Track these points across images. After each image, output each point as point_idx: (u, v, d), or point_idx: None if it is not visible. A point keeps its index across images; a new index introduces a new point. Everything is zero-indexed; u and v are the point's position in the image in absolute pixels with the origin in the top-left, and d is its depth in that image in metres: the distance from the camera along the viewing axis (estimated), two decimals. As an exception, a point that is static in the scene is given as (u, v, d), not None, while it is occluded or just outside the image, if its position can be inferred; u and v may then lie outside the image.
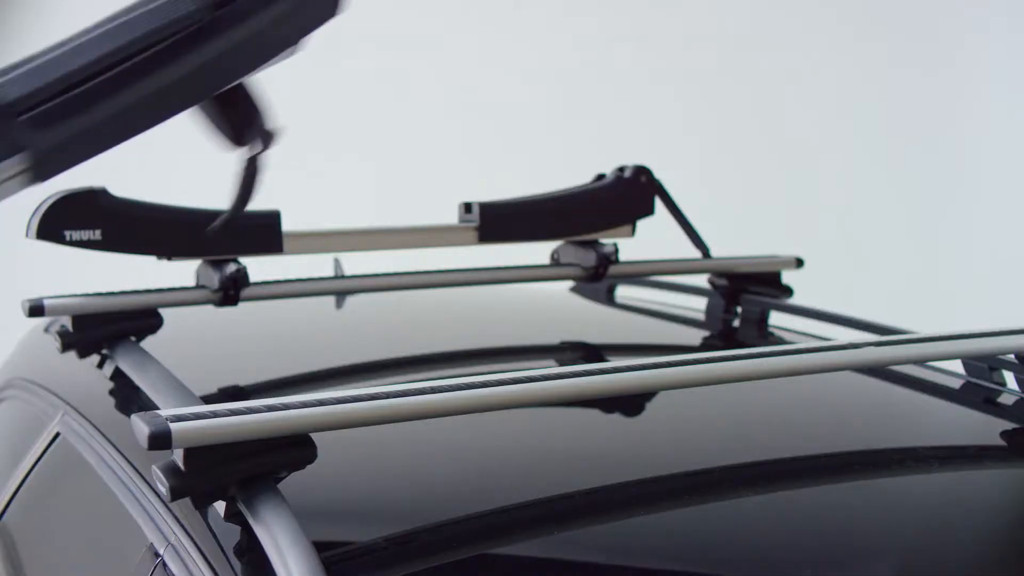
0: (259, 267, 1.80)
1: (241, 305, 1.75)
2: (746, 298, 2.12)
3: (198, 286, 1.77)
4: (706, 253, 2.21)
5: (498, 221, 2.14)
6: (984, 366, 1.63)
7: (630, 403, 1.57)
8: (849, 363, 1.41)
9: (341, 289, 2.11)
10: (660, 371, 1.28)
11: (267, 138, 1.06)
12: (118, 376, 1.57)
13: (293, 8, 1.04)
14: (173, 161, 4.87)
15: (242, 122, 1.08)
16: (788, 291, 2.15)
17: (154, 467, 1.06)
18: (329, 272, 2.45)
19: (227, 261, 1.76)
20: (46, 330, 2.20)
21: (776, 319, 2.07)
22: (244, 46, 1.00)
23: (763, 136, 4.60)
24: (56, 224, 1.88)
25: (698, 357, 1.32)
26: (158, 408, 1.13)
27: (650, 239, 2.22)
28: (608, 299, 2.41)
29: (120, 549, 1.28)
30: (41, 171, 0.89)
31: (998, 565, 1.17)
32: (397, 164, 4.89)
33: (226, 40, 0.97)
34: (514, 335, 2.12)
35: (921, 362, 1.58)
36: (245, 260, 1.78)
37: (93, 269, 2.39)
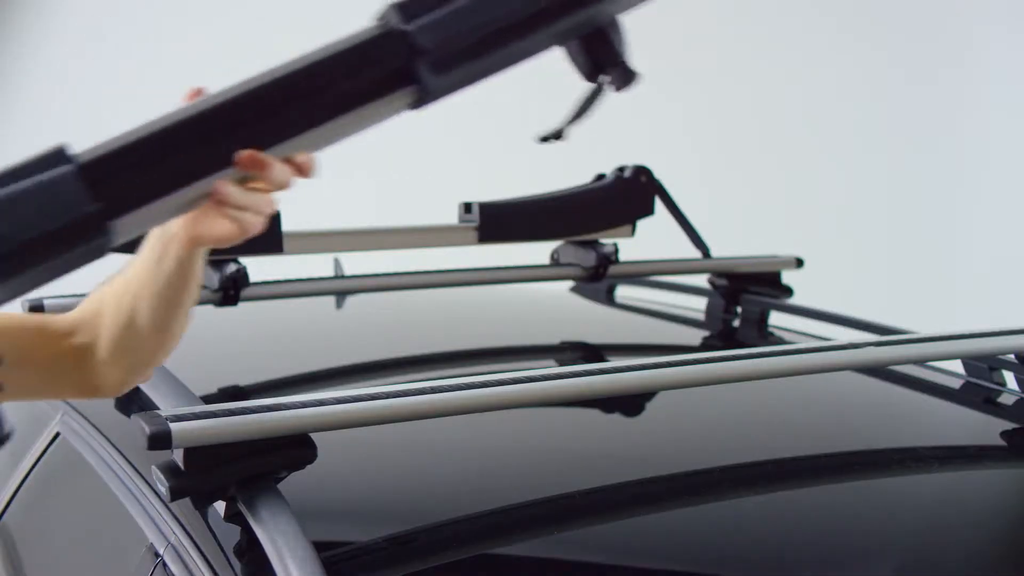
0: (259, 267, 1.80)
1: (241, 305, 1.75)
2: (746, 298, 2.12)
3: (198, 286, 1.77)
4: (706, 253, 2.21)
5: (498, 221, 2.14)
6: (984, 366, 1.63)
7: (630, 403, 1.57)
8: (849, 363, 1.41)
9: (341, 289, 2.11)
10: (660, 371, 1.29)
11: (626, 79, 1.12)
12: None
13: None
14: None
15: (604, 60, 1.10)
16: (788, 291, 2.15)
17: (154, 467, 1.06)
18: (329, 272, 2.45)
19: (227, 261, 1.76)
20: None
21: (776, 319, 2.07)
22: None
23: (763, 136, 4.60)
24: (56, 224, 1.88)
25: (698, 357, 1.32)
26: (158, 408, 1.13)
27: (650, 239, 2.22)
28: (608, 299, 2.41)
29: (120, 549, 1.28)
30: (421, 102, 0.97)
31: (998, 565, 1.17)
32: (397, 164, 4.89)
33: None
34: (514, 335, 2.12)
35: (921, 362, 1.58)
36: (245, 260, 1.77)
37: (93, 269, 2.39)
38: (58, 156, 0.86)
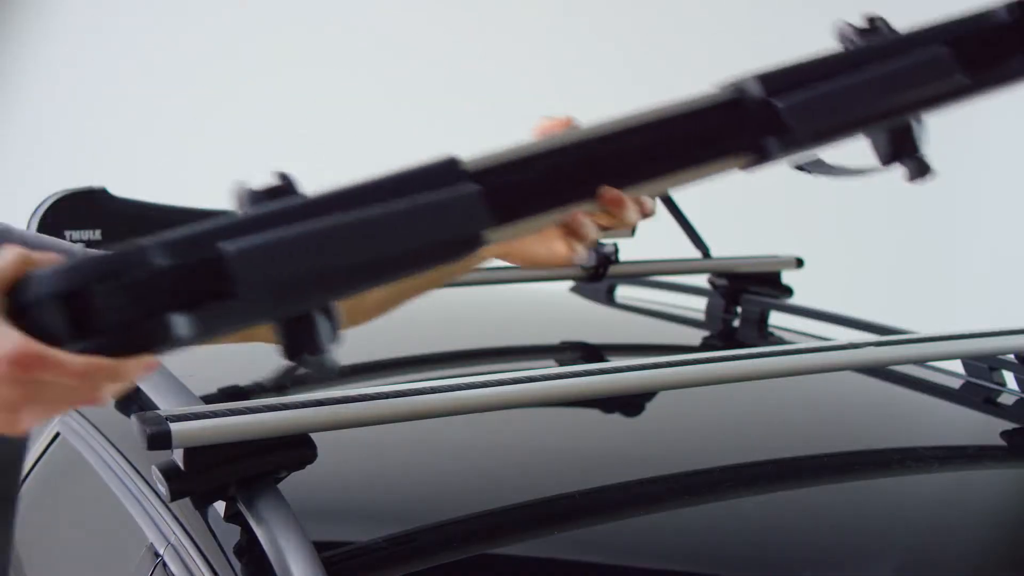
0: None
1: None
2: (746, 298, 2.12)
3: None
4: (706, 253, 2.21)
5: (498, 221, 2.13)
6: (984, 366, 1.63)
7: (630, 403, 1.57)
8: (849, 363, 1.41)
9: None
10: (660, 371, 1.29)
11: (921, 171, 1.18)
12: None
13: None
14: (173, 161, 4.88)
15: (904, 150, 1.17)
16: (788, 291, 2.15)
17: (154, 467, 1.06)
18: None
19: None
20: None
21: (776, 319, 2.07)
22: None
23: (763, 136, 4.60)
24: (56, 224, 1.88)
25: (698, 357, 1.32)
26: (158, 408, 1.13)
27: (650, 239, 2.22)
28: (608, 299, 2.41)
29: (120, 549, 1.28)
30: (754, 165, 1.02)
31: (998, 565, 1.17)
32: (397, 164, 4.89)
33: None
34: (514, 335, 2.12)
35: (921, 362, 1.58)
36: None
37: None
38: (453, 170, 0.90)
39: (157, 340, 0.75)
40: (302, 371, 1.77)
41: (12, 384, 0.72)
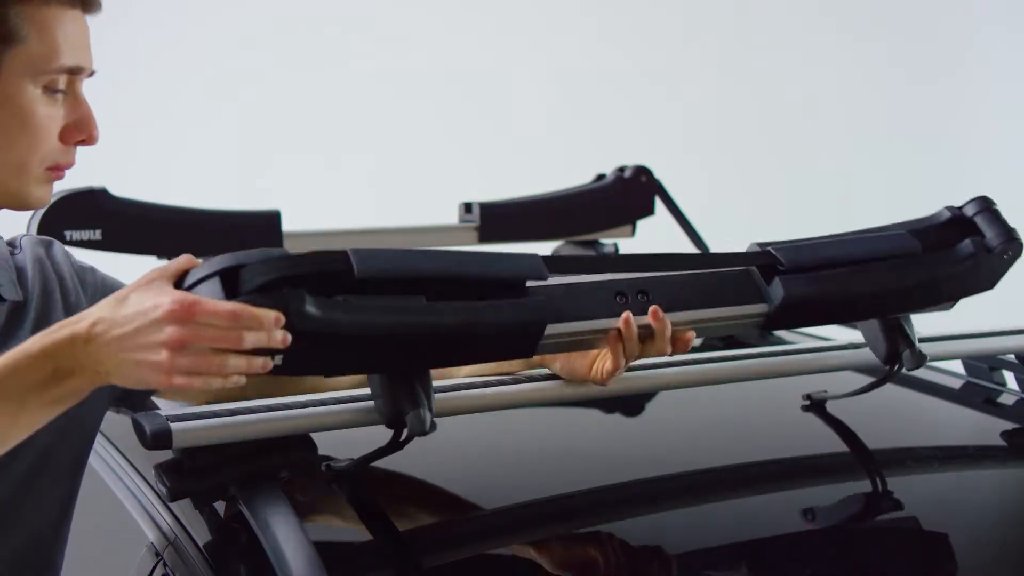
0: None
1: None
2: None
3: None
4: (706, 252, 2.21)
5: (498, 221, 2.14)
6: (984, 366, 1.63)
7: (630, 403, 1.57)
8: (849, 363, 1.41)
9: None
10: (660, 371, 1.28)
11: (919, 362, 1.32)
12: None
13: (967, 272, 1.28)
14: (173, 161, 4.87)
15: (900, 344, 1.32)
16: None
17: (154, 467, 1.06)
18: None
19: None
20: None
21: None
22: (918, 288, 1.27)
23: (763, 136, 4.60)
24: (56, 224, 1.88)
25: (698, 357, 1.32)
26: (158, 408, 1.13)
27: (650, 239, 2.22)
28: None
29: (120, 549, 1.28)
30: (771, 322, 1.22)
31: (998, 565, 1.17)
32: (397, 164, 4.88)
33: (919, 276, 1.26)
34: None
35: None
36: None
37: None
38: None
39: (287, 304, 0.94)
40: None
41: (174, 324, 0.91)
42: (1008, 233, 1.28)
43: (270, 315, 0.92)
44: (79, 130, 1.12)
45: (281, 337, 0.93)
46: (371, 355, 1.03)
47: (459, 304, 1.03)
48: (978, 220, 1.29)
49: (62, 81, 1.09)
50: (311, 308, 0.95)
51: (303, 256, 0.98)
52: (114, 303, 0.95)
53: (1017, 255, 1.30)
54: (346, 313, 0.97)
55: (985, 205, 1.30)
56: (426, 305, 1.01)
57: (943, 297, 1.30)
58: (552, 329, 1.08)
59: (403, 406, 1.06)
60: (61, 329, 0.95)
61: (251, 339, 0.92)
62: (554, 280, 1.10)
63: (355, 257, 0.99)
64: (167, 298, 0.92)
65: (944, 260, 1.27)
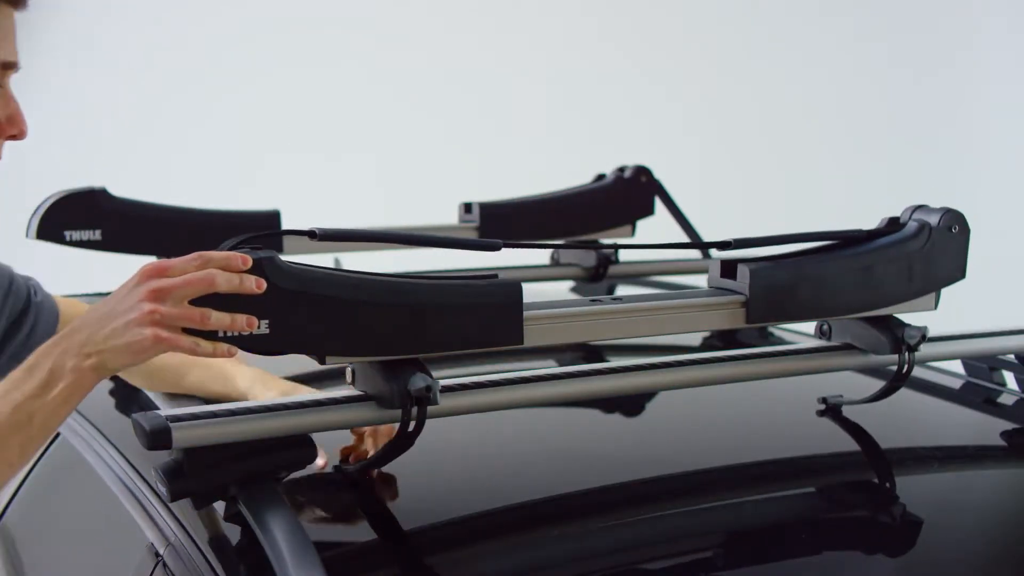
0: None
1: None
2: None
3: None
4: (706, 253, 2.21)
5: (498, 221, 2.14)
6: (984, 366, 1.63)
7: (630, 403, 1.57)
8: (849, 364, 1.40)
9: None
10: (660, 372, 1.28)
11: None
12: (117, 376, 1.57)
13: None
14: (173, 161, 4.87)
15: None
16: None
17: (154, 467, 1.06)
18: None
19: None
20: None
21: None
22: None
23: (763, 135, 4.60)
24: (56, 224, 1.88)
25: (699, 358, 1.32)
26: (158, 408, 1.13)
27: (650, 239, 2.22)
28: (608, 299, 2.41)
29: (120, 549, 1.28)
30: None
31: (998, 565, 1.17)
32: (397, 164, 4.89)
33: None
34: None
35: (921, 362, 1.58)
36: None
37: (93, 269, 2.39)
38: None
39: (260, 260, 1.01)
40: (301, 371, 1.77)
41: (148, 279, 0.97)
42: (944, 209, 1.35)
43: (237, 256, 0.98)
44: (9, 125, 1.12)
45: (255, 282, 0.97)
46: (356, 326, 1.05)
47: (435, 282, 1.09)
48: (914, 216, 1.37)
49: None
50: (283, 264, 1.01)
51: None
52: (94, 317, 1.00)
53: (962, 226, 1.36)
54: (320, 276, 1.03)
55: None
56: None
57: (916, 284, 1.34)
58: None
59: (404, 381, 1.06)
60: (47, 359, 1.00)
61: (223, 280, 0.96)
62: None
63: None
64: (137, 272, 0.99)
65: (897, 240, 1.33)
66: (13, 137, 1.12)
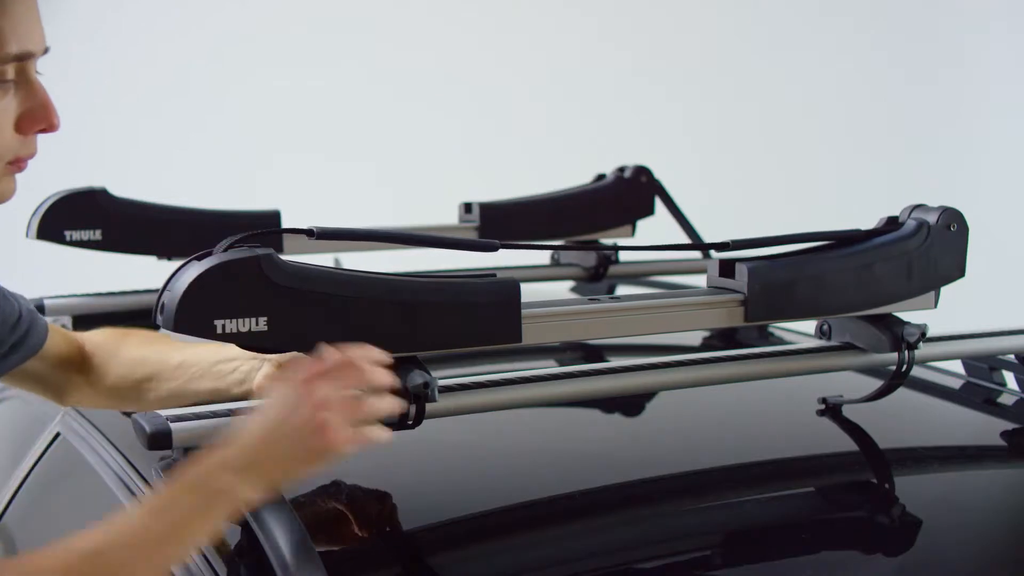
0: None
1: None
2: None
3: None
4: (706, 253, 2.21)
5: (498, 221, 2.14)
6: (984, 366, 1.63)
7: (629, 403, 1.57)
8: (849, 364, 1.41)
9: None
10: (660, 372, 1.28)
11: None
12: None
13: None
14: (173, 161, 4.87)
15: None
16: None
17: (154, 467, 1.06)
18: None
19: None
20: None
21: (776, 319, 2.06)
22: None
23: (763, 135, 4.60)
24: (56, 224, 1.88)
25: (699, 358, 1.32)
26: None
27: (650, 239, 2.22)
28: (608, 299, 2.40)
29: (120, 549, 1.28)
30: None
31: (998, 565, 1.17)
32: (397, 164, 4.89)
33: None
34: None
35: (921, 363, 1.58)
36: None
37: (93, 269, 2.39)
38: None
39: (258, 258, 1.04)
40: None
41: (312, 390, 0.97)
42: (942, 207, 1.36)
43: (358, 349, 1.00)
44: (37, 119, 1.02)
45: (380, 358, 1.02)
46: (354, 324, 1.06)
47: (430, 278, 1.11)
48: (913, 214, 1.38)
49: (11, 71, 0.99)
50: (281, 262, 1.03)
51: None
52: (262, 443, 0.96)
53: (961, 224, 1.36)
54: (318, 274, 1.04)
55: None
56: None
57: (916, 283, 1.34)
58: None
59: (402, 379, 1.08)
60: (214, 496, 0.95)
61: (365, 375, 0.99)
62: None
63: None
64: (294, 394, 0.96)
65: (896, 239, 1.33)
66: (44, 130, 1.02)
